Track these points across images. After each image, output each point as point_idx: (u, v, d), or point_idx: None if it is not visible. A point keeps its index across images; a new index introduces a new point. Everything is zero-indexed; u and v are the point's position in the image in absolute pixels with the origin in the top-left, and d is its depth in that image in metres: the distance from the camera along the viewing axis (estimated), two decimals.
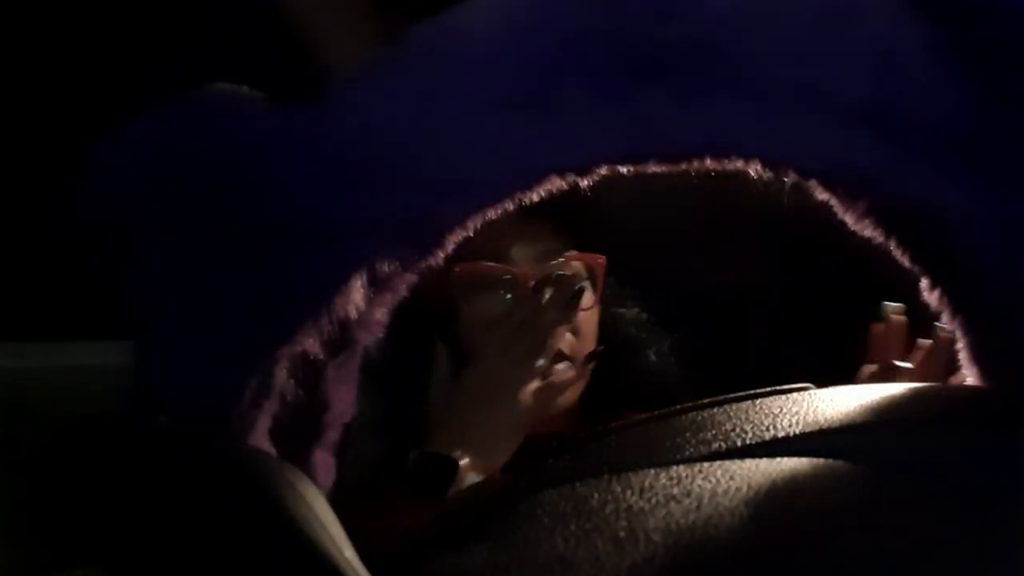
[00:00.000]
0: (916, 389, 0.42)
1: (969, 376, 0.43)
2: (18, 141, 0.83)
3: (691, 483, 0.34)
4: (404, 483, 0.63)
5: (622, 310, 0.86)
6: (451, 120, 0.38)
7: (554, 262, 0.75)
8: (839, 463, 0.36)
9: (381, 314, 0.43)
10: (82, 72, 0.83)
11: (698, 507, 0.33)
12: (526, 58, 0.37)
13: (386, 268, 0.40)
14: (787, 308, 0.95)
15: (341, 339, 0.42)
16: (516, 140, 0.38)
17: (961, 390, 0.44)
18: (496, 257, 0.74)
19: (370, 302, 0.41)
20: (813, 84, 0.37)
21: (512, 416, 0.66)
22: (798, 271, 0.95)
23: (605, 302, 0.81)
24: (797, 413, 0.39)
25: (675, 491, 0.34)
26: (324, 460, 0.46)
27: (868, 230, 0.42)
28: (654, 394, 0.80)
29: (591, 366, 0.73)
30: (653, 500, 0.34)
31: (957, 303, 0.42)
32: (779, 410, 0.40)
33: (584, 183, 0.40)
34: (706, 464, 0.36)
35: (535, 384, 0.67)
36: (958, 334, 0.42)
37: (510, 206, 0.40)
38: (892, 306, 0.75)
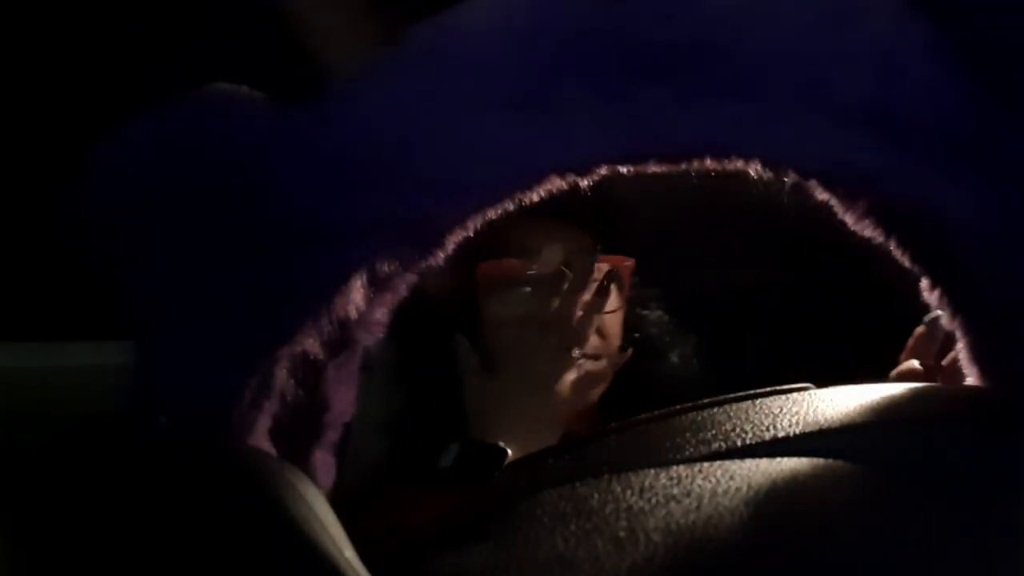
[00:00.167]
0: (916, 389, 0.42)
1: (969, 376, 0.43)
2: (18, 141, 0.83)
3: (691, 483, 0.34)
4: (440, 474, 0.63)
5: (645, 312, 0.86)
6: (451, 120, 0.38)
7: (581, 262, 0.75)
8: (839, 463, 0.36)
9: (381, 314, 0.43)
10: (82, 72, 0.83)
11: (698, 507, 0.33)
12: (526, 58, 0.37)
13: (386, 268, 0.40)
14: (787, 308, 0.95)
15: (341, 339, 0.42)
16: (516, 140, 0.38)
17: (961, 390, 0.44)
18: (522, 255, 0.75)
19: (370, 302, 0.41)
20: (813, 84, 0.37)
21: (551, 409, 0.67)
22: (798, 271, 0.95)
23: (629, 303, 0.82)
24: (797, 413, 0.39)
25: (675, 491, 0.34)
26: (324, 460, 0.46)
27: (868, 230, 0.42)
28: (676, 397, 0.81)
29: (619, 364, 0.74)
30: (653, 500, 0.34)
31: (957, 303, 0.42)
32: (779, 410, 0.40)
33: (585, 183, 0.40)
34: (706, 464, 0.36)
35: (571, 376, 0.68)
36: (958, 334, 0.42)
37: (510, 206, 0.40)
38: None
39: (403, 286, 0.43)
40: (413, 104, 0.38)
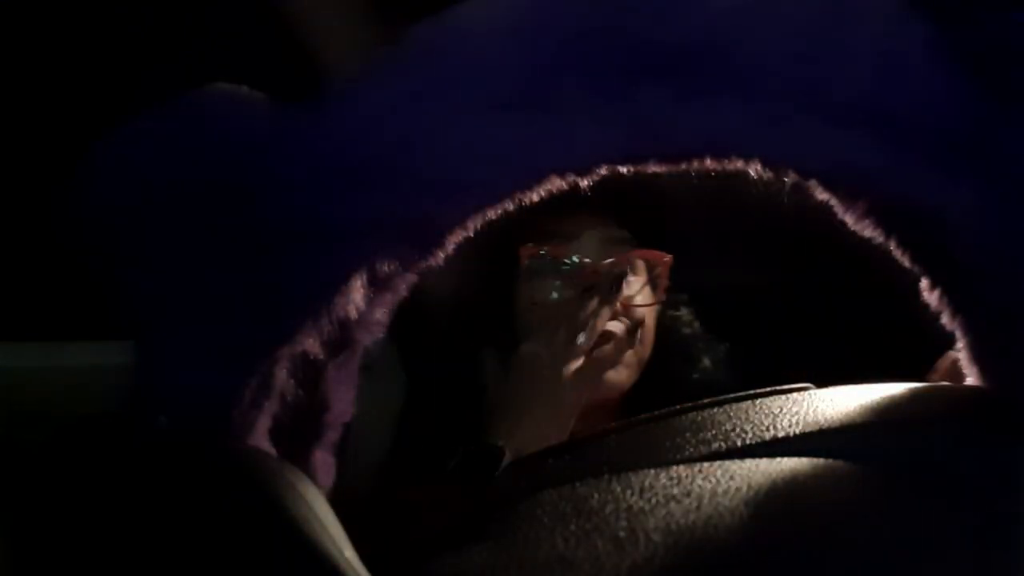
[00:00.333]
0: (916, 389, 0.42)
1: (969, 376, 0.43)
2: (18, 141, 0.83)
3: (691, 483, 0.34)
4: (442, 475, 0.63)
5: (678, 313, 0.86)
6: (451, 120, 0.38)
7: (615, 258, 0.77)
8: (839, 463, 0.36)
9: (381, 314, 0.43)
10: (82, 72, 0.83)
11: (698, 507, 0.33)
12: (526, 58, 0.37)
13: (386, 268, 0.40)
14: (787, 308, 0.95)
15: (341, 339, 0.42)
16: (516, 140, 0.38)
17: (961, 390, 0.44)
18: (564, 239, 0.77)
19: (370, 302, 0.41)
20: (813, 84, 0.37)
21: (558, 394, 0.67)
22: (798, 271, 0.95)
23: (664, 305, 0.82)
24: (797, 413, 0.39)
25: (675, 491, 0.34)
26: (324, 460, 0.46)
27: (868, 230, 0.42)
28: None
29: (634, 349, 0.74)
30: (653, 500, 0.34)
31: (957, 303, 0.42)
32: (779, 410, 0.40)
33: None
34: (706, 464, 0.36)
35: (578, 363, 0.68)
36: (958, 334, 0.42)
37: (510, 205, 0.40)
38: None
39: (403, 286, 0.43)
40: (413, 104, 0.38)
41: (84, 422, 0.39)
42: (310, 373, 0.42)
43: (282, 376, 0.40)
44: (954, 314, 0.42)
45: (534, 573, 0.31)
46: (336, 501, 0.37)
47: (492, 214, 0.40)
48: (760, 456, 0.36)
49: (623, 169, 0.40)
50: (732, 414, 0.40)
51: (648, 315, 0.79)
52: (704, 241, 0.91)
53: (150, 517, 0.34)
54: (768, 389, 0.43)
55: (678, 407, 0.42)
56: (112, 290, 0.41)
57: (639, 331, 0.76)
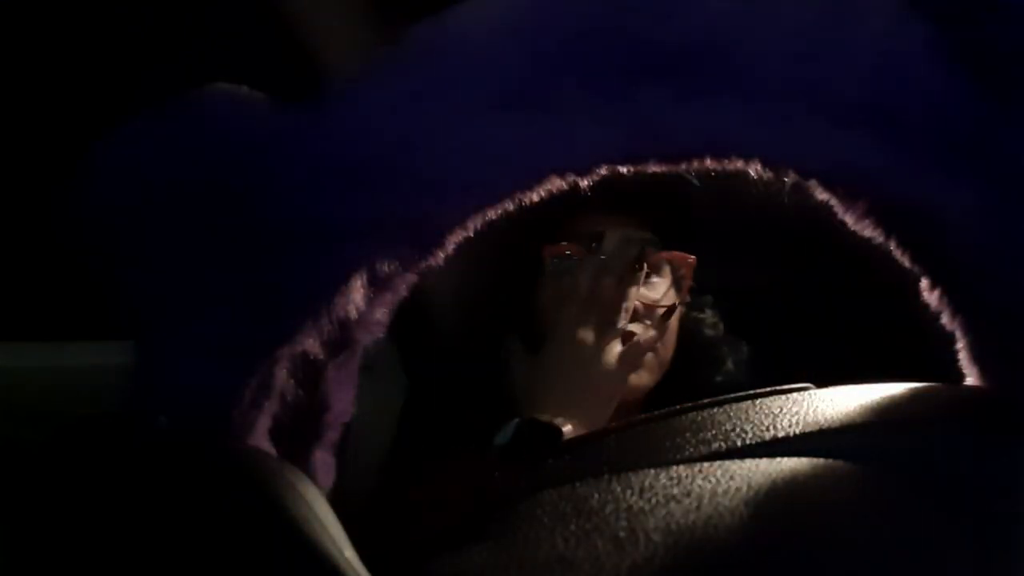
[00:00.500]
0: (916, 389, 0.42)
1: (969, 376, 0.43)
2: (18, 141, 0.83)
3: (691, 483, 0.34)
4: (496, 452, 0.63)
5: (702, 315, 0.86)
6: (451, 120, 0.38)
7: (634, 248, 0.76)
8: (839, 463, 0.36)
9: (381, 314, 0.43)
10: (82, 72, 0.83)
11: (698, 507, 0.33)
12: (526, 58, 0.37)
13: (386, 268, 0.40)
14: (787, 308, 0.95)
15: (341, 339, 0.42)
16: (516, 140, 0.38)
17: (961, 390, 0.44)
18: (587, 239, 0.77)
19: (370, 302, 0.41)
20: (813, 84, 0.37)
21: (602, 380, 0.67)
22: (798, 271, 0.95)
23: (687, 307, 0.82)
24: (797, 413, 0.39)
25: (675, 491, 0.34)
26: (324, 460, 0.46)
27: (868, 230, 0.42)
28: None
29: (656, 350, 0.74)
30: (653, 500, 0.34)
31: (957, 303, 0.42)
32: (779, 410, 0.40)
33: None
34: (706, 464, 0.36)
35: (618, 347, 0.68)
36: (958, 334, 0.42)
37: (510, 205, 0.40)
38: None
39: (403, 286, 0.43)
40: (413, 104, 0.38)
41: (84, 422, 0.39)
42: (310, 373, 0.42)
43: (282, 376, 0.40)
44: (954, 314, 0.42)
45: (534, 573, 0.31)
46: (336, 501, 0.37)
47: (492, 214, 0.40)
48: (760, 456, 0.36)
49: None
50: (732, 414, 0.40)
51: (674, 316, 0.78)
52: (704, 241, 0.91)
53: (150, 517, 0.34)
54: (768, 389, 0.43)
55: (678, 407, 0.42)
56: (112, 290, 0.41)
57: (664, 329, 0.76)
